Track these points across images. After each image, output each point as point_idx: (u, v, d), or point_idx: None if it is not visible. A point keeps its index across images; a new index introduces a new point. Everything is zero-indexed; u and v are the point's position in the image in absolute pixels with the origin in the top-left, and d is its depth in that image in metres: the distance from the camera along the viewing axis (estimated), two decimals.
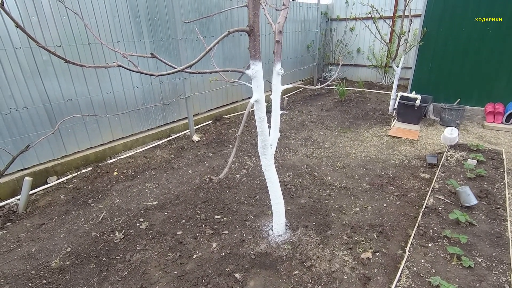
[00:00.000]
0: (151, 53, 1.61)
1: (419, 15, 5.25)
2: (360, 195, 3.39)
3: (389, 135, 4.96)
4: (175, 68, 1.76)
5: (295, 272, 2.34)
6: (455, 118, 5.12)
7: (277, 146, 4.74)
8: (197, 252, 2.59)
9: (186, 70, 1.86)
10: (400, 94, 5.15)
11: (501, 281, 2.03)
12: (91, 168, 4.09)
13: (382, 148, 4.56)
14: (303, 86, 2.69)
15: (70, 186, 3.72)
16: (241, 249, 2.60)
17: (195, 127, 5.39)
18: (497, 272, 2.10)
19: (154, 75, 1.70)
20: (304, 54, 8.05)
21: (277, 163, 4.17)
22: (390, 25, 7.19)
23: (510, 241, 2.36)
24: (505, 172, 3.36)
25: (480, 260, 2.20)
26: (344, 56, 8.47)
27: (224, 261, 2.48)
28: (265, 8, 2.55)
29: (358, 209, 3.15)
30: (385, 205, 3.18)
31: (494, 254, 2.25)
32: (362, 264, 2.41)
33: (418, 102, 4.91)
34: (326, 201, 3.29)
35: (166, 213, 3.13)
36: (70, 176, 3.91)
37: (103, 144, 4.33)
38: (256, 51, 1.99)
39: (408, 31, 5.42)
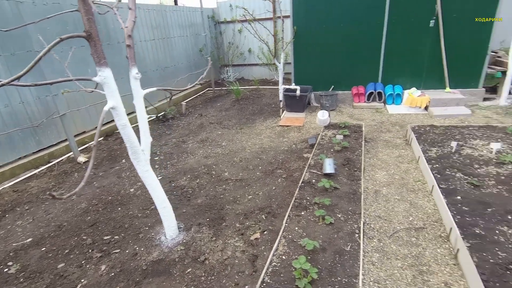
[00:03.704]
0: None
1: (289, 16, 5.90)
2: (253, 184, 3.64)
3: (280, 125, 5.44)
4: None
5: (188, 270, 2.37)
6: (332, 103, 5.94)
7: (175, 151, 4.72)
8: (82, 280, 2.38)
9: (15, 83, 1.69)
10: (283, 87, 5.70)
11: (353, 228, 2.47)
12: None
13: (274, 138, 4.98)
14: (173, 89, 2.73)
15: None
16: (133, 263, 2.50)
17: (83, 147, 4.90)
18: (352, 222, 2.55)
19: None
20: (197, 58, 8.15)
21: (175, 169, 4.14)
22: (272, 25, 7.89)
23: (362, 195, 2.88)
24: (363, 141, 4.08)
25: (340, 216, 2.63)
26: (237, 57, 8.89)
27: (113, 281, 2.34)
28: (117, 12, 2.50)
29: (251, 196, 3.37)
30: (274, 188, 3.48)
31: (350, 209, 2.72)
32: (251, 245, 2.60)
33: (298, 92, 5.53)
34: (222, 196, 3.42)
35: (43, 249, 2.77)
36: None
37: None
38: (100, 57, 1.93)
39: (283, 30, 6.03)
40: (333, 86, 6.17)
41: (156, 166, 4.27)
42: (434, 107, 5.36)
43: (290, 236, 2.43)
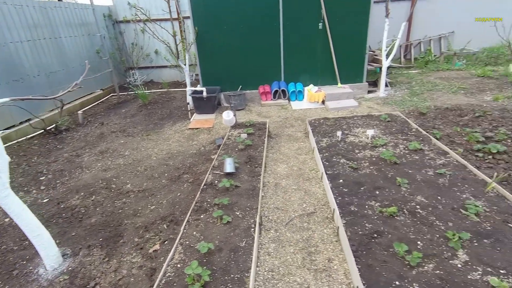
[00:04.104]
0: None
1: (189, 17, 5.80)
2: (158, 193, 3.47)
3: (189, 128, 5.33)
4: None
5: None
6: (240, 102, 6.09)
7: (67, 168, 4.18)
8: None
9: None
10: (189, 89, 5.59)
11: (250, 223, 2.57)
12: None
13: (184, 142, 4.85)
14: (41, 98, 2.38)
15: None
16: None
17: None
18: (249, 218, 2.64)
19: None
20: (94, 61, 7.38)
21: (66, 188, 3.67)
22: (176, 26, 7.65)
23: (260, 191, 3.02)
24: (266, 138, 4.29)
25: (238, 213, 2.70)
26: (143, 59, 8.38)
27: None
28: None
29: (154, 207, 3.21)
30: (179, 194, 3.38)
31: (249, 205, 2.82)
32: (150, 259, 2.47)
33: (205, 94, 5.50)
34: (121, 211, 3.16)
35: None
36: None
37: None
38: None
39: (184, 31, 5.90)
40: (241, 86, 6.34)
41: (42, 187, 3.71)
42: (329, 101, 5.98)
43: (187, 242, 2.38)
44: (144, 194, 3.45)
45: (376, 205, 2.66)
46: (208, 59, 6.15)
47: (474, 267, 1.96)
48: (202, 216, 2.67)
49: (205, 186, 3.15)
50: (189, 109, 5.68)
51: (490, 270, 1.93)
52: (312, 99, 6.04)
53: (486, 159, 3.46)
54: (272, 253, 2.43)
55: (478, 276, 1.89)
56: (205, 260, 2.18)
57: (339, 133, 4.01)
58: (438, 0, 8.28)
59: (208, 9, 5.71)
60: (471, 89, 5.99)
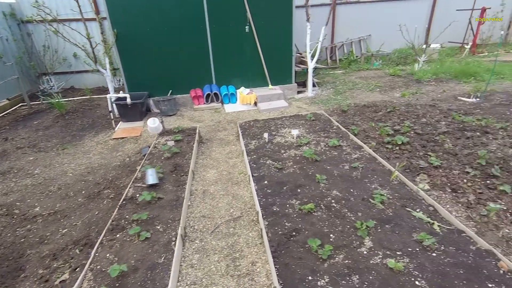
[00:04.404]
0: None
1: (105, 18, 5.38)
2: (72, 213, 3.13)
3: (114, 138, 4.94)
4: None
5: None
6: (171, 107, 5.86)
7: None
8: None
9: None
10: (110, 96, 5.19)
11: (170, 236, 2.46)
12: None
13: (107, 154, 4.47)
14: None
15: None
16: None
17: None
18: (170, 231, 2.53)
19: None
20: None
21: None
22: (96, 27, 7.05)
23: (185, 200, 2.92)
24: (195, 143, 4.18)
25: (159, 227, 2.57)
26: (59, 64, 7.54)
27: None
28: None
29: (66, 230, 2.88)
30: (97, 213, 3.09)
31: (171, 217, 2.71)
32: None
33: (129, 100, 5.16)
34: (24, 239, 2.77)
35: None
36: None
37: None
38: None
39: (102, 33, 5.45)
40: (171, 91, 6.10)
41: None
42: (261, 102, 6.11)
43: (98, 267, 2.18)
44: (55, 217, 3.08)
45: (296, 203, 2.76)
46: (132, 63, 5.78)
47: (376, 252, 2.16)
48: (118, 236, 2.47)
49: (124, 202, 2.93)
50: (112, 118, 5.26)
51: (389, 253, 2.14)
52: (244, 101, 6.10)
53: (394, 150, 3.86)
54: (196, 265, 2.36)
55: (379, 260, 2.08)
56: (117, 285, 2.01)
57: (266, 135, 4.11)
58: (356, 6, 9.08)
59: (126, 10, 5.36)
60: (384, 87, 6.69)
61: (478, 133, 4.08)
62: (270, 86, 6.48)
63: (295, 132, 4.10)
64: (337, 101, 6.07)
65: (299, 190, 2.95)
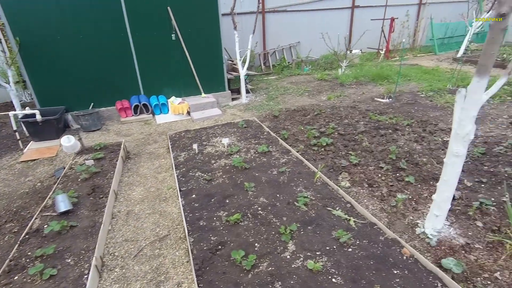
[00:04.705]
0: None
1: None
2: None
3: (22, 161, 4.33)
4: None
5: None
6: (93, 122, 5.37)
7: None
8: None
9: None
10: (13, 113, 4.56)
11: (83, 269, 2.21)
12: None
13: (12, 180, 3.88)
14: None
15: None
16: None
17: None
18: (83, 263, 2.27)
19: None
20: None
21: None
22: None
23: (102, 225, 2.67)
24: (118, 161, 3.88)
25: (69, 261, 2.29)
26: None
27: None
28: None
29: None
30: None
31: (85, 246, 2.44)
32: None
33: (38, 117, 4.58)
34: None
35: None
36: None
37: None
38: None
39: (6, 41, 4.76)
40: (92, 104, 5.60)
41: None
42: (194, 111, 5.97)
43: None
44: None
45: (224, 215, 2.72)
46: (43, 74, 5.15)
47: (298, 255, 2.22)
48: (16, 278, 2.13)
49: (27, 236, 2.55)
50: (19, 138, 4.60)
51: (310, 254, 2.22)
52: (176, 111, 5.90)
53: (320, 152, 4.09)
54: None
55: (300, 263, 2.15)
56: None
57: (195, 146, 4.01)
58: (284, 14, 9.51)
59: (29, 16, 4.76)
60: (313, 91, 7.10)
61: (390, 131, 4.56)
62: (203, 95, 6.38)
63: (225, 141, 4.08)
64: (270, 106, 6.24)
65: (227, 201, 2.92)
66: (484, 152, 3.65)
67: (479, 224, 2.59)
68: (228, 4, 6.03)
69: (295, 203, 2.82)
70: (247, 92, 7.12)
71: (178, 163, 3.74)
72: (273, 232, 2.46)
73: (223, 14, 6.12)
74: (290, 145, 4.14)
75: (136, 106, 5.85)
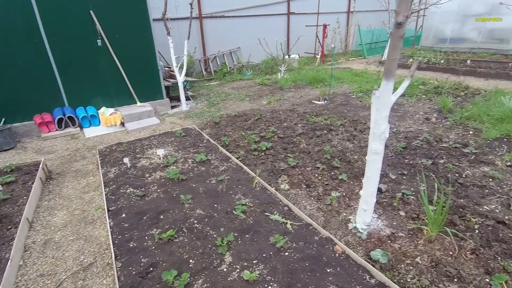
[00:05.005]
0: None
1: None
2: None
3: None
4: None
5: None
6: (5, 140, 4.66)
7: None
8: None
9: None
10: None
11: None
12: None
13: None
14: None
15: None
16: None
17: None
18: None
19: None
20: None
21: None
22: None
23: (10, 261, 2.28)
24: (35, 183, 3.40)
25: None
26: None
27: None
28: None
29: None
30: None
31: None
32: None
33: None
34: None
35: None
36: None
37: None
38: None
39: None
40: (4, 119, 4.88)
41: None
42: (129, 122, 5.58)
43: None
44: None
45: (157, 232, 2.54)
46: None
47: (235, 266, 2.16)
48: None
49: None
50: None
51: (246, 264, 2.17)
52: (108, 122, 5.45)
53: (260, 156, 4.10)
54: None
55: (237, 274, 2.08)
56: None
57: (126, 160, 3.72)
58: (222, 20, 9.50)
59: None
60: (254, 96, 7.17)
61: (325, 131, 4.78)
62: (139, 104, 6.01)
63: (160, 152, 3.86)
64: (211, 113, 6.13)
65: (161, 217, 2.74)
66: (405, 146, 4.02)
67: (402, 213, 2.81)
68: (162, 9, 5.78)
69: (233, 211, 2.76)
70: (188, 99, 6.92)
71: (108, 180, 3.42)
72: (210, 245, 2.36)
73: (155, 19, 5.86)
74: (230, 152, 4.08)
75: (60, 120, 5.26)
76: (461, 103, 5.58)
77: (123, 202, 2.98)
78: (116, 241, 2.45)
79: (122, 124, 5.56)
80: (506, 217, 2.55)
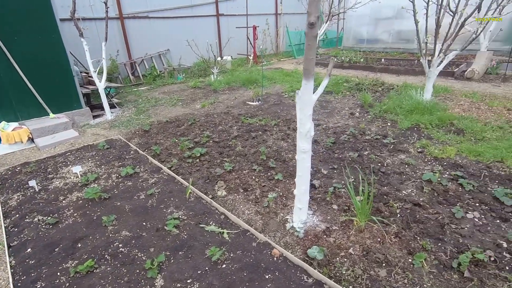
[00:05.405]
0: None
1: None
2: None
3: None
4: None
5: None
6: None
7: None
8: None
9: None
10: None
11: None
12: None
13: None
14: None
15: None
16: None
17: None
18: None
19: None
20: None
21: None
22: None
23: None
24: None
25: None
26: None
27: None
28: None
29: None
30: None
31: None
32: None
33: None
34: None
35: None
36: None
37: None
38: None
39: None
40: None
41: None
42: (40, 137, 4.82)
43: None
44: None
45: (72, 265, 2.17)
46: None
47: None
48: None
49: None
50: None
51: (180, 285, 1.98)
52: (11, 139, 4.61)
53: (195, 163, 3.89)
54: None
55: None
56: None
57: (32, 183, 3.16)
58: (147, 21, 8.92)
59: None
60: (186, 100, 6.88)
61: (260, 132, 4.79)
62: (52, 115, 5.24)
63: (77, 169, 3.38)
64: (140, 120, 5.67)
65: (78, 245, 2.36)
66: (334, 141, 4.24)
67: (335, 207, 2.92)
68: (71, 8, 5.10)
69: (165, 227, 2.53)
70: (113, 106, 6.31)
71: (9, 210, 2.85)
72: (138, 271, 2.10)
73: (64, 19, 5.17)
74: (162, 161, 3.79)
75: None
76: (380, 97, 6.16)
77: (28, 234, 2.50)
78: (19, 284, 2.02)
79: (32, 140, 4.78)
80: (420, 199, 2.83)
